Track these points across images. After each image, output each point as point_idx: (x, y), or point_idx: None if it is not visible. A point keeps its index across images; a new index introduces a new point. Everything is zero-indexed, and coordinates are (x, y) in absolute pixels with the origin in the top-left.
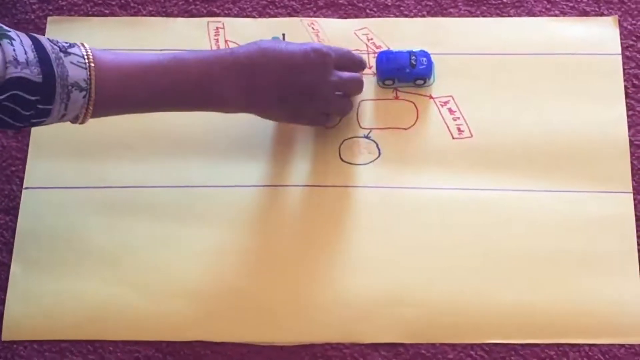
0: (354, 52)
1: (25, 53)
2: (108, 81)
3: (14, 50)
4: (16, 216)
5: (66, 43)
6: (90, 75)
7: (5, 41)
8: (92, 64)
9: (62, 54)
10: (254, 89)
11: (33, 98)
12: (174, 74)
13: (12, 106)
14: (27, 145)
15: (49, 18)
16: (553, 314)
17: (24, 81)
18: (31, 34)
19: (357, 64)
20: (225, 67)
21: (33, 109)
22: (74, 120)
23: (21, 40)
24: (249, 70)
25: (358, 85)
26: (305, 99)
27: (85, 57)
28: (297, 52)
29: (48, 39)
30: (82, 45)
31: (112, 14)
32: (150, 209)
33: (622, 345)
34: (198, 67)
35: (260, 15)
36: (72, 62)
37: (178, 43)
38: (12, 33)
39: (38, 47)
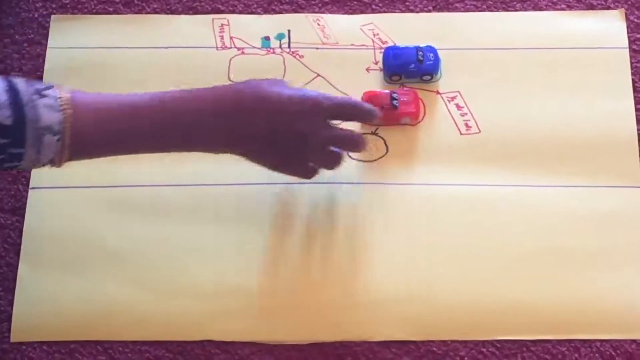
0: (361, 102)
1: None
2: (85, 125)
3: None
4: (23, 217)
5: (43, 85)
6: (64, 118)
7: None
8: (67, 107)
9: (36, 97)
10: (240, 133)
11: (3, 141)
12: (154, 116)
13: None
14: None
15: (52, 16)
16: (564, 310)
17: None
18: (9, 77)
19: (365, 114)
20: (210, 107)
21: (3, 153)
22: (51, 164)
23: None
24: (237, 112)
25: (354, 144)
26: (294, 149)
27: (60, 99)
28: (289, 98)
29: (26, 80)
30: (60, 87)
31: (116, 12)
32: (159, 208)
33: (634, 341)
34: (180, 108)
35: (266, 11)
36: (45, 105)
37: (183, 40)
38: None
39: (11, 89)
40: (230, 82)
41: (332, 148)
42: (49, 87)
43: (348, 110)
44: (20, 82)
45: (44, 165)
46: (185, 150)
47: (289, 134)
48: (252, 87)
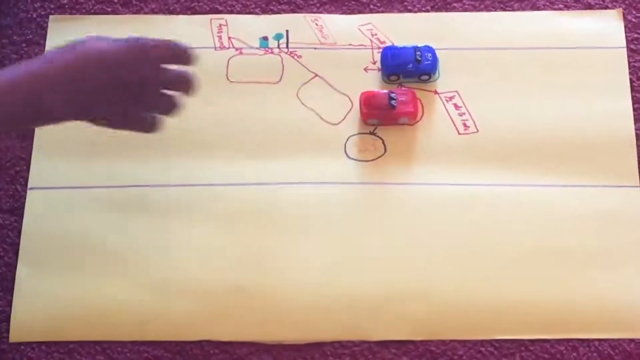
0: (178, 42)
1: None
2: None
3: None
4: (21, 217)
5: None
6: None
7: None
8: None
9: None
10: (79, 97)
11: None
12: None
13: None
14: (31, 145)
15: (50, 17)
16: (562, 309)
17: None
18: None
19: (186, 56)
20: (43, 79)
21: None
22: None
23: None
24: (70, 77)
25: (186, 82)
26: (134, 99)
27: None
28: (118, 49)
29: None
30: None
31: (114, 12)
32: (157, 208)
33: (632, 340)
34: (13, 84)
35: (264, 11)
36: None
37: (181, 41)
38: None
39: None
40: (228, 81)
41: (167, 92)
42: None
43: (176, 51)
44: None
45: None
46: (30, 125)
47: (121, 85)
48: (76, 50)
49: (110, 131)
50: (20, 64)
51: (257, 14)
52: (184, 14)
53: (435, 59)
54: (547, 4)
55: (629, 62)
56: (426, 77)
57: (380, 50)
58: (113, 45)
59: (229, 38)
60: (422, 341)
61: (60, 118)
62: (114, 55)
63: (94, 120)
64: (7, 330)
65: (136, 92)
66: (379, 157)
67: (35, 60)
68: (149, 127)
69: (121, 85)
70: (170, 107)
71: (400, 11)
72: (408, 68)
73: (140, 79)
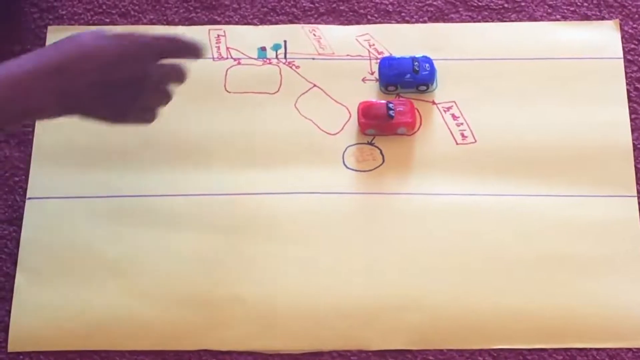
0: (187, 36)
1: None
2: None
3: None
4: (20, 227)
5: None
6: None
7: None
8: None
9: None
10: (71, 91)
11: None
12: None
13: None
14: (30, 155)
15: (49, 27)
16: (560, 319)
17: None
18: None
19: (190, 48)
20: (35, 71)
21: None
22: None
23: None
24: (63, 71)
25: (178, 74)
26: (130, 95)
27: None
28: (115, 45)
29: None
30: None
31: (113, 23)
32: (155, 218)
33: (630, 349)
34: (4, 80)
35: (262, 22)
36: None
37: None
38: None
39: None
40: (226, 91)
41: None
42: None
43: (176, 46)
44: None
45: None
46: (20, 120)
47: (120, 81)
48: (77, 44)
49: (108, 136)
50: (14, 59)
51: (255, 24)
52: (182, 24)
53: (433, 70)
54: (544, 15)
55: (626, 73)
56: (424, 87)
57: (378, 60)
58: (111, 43)
59: (227, 48)
60: (419, 351)
61: (51, 115)
62: (110, 53)
63: (88, 116)
64: (6, 340)
65: (133, 89)
66: (377, 167)
67: (29, 55)
68: (145, 119)
69: (116, 84)
70: (165, 99)
71: (398, 22)
72: (406, 78)
73: (137, 78)
